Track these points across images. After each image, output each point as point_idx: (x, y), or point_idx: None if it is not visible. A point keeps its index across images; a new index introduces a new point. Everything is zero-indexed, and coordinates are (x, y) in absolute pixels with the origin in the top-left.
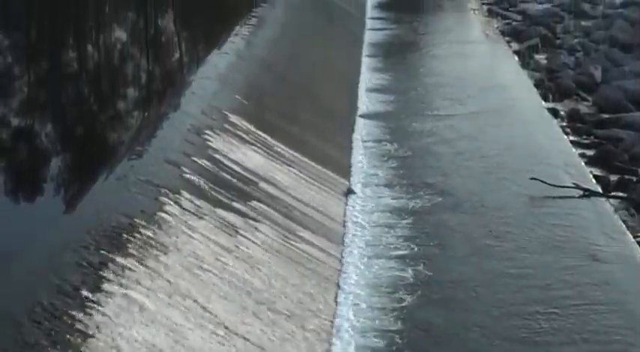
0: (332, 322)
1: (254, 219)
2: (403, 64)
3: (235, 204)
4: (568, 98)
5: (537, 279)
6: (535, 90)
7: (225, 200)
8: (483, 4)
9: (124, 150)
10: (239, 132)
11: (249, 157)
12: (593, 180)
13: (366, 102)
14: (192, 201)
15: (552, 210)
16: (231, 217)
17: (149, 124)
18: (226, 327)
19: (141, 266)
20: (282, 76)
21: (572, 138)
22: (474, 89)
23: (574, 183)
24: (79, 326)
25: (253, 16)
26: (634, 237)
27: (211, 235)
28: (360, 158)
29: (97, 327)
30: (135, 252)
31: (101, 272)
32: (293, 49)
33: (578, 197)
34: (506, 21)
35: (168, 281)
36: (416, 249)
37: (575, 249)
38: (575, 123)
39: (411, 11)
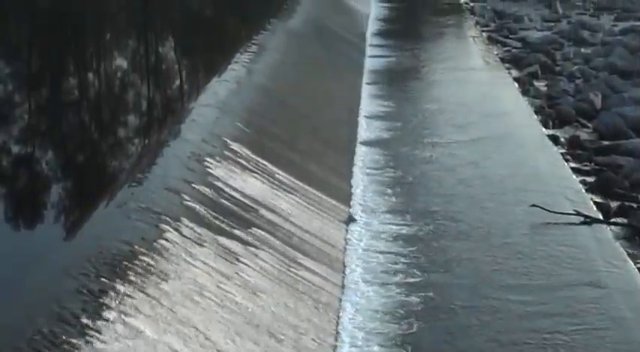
0: (333, 349)
1: (255, 246)
2: (404, 91)
3: (236, 231)
4: (568, 125)
5: (540, 306)
6: (535, 117)
7: (225, 227)
8: (483, 31)
9: (124, 177)
10: (239, 160)
11: (249, 184)
12: (594, 207)
13: (366, 129)
14: (192, 228)
15: (554, 237)
16: (232, 244)
17: (149, 151)
18: None
19: (141, 294)
20: (283, 104)
21: (572, 164)
22: (474, 116)
23: (575, 210)
24: None
25: (254, 44)
26: (635, 264)
27: (212, 262)
28: (361, 185)
29: None
30: (135, 279)
31: (101, 300)
32: (293, 77)
33: (579, 223)
34: (506, 48)
35: (169, 308)
36: (418, 275)
37: (577, 276)
38: (575, 150)
39: (411, 38)
